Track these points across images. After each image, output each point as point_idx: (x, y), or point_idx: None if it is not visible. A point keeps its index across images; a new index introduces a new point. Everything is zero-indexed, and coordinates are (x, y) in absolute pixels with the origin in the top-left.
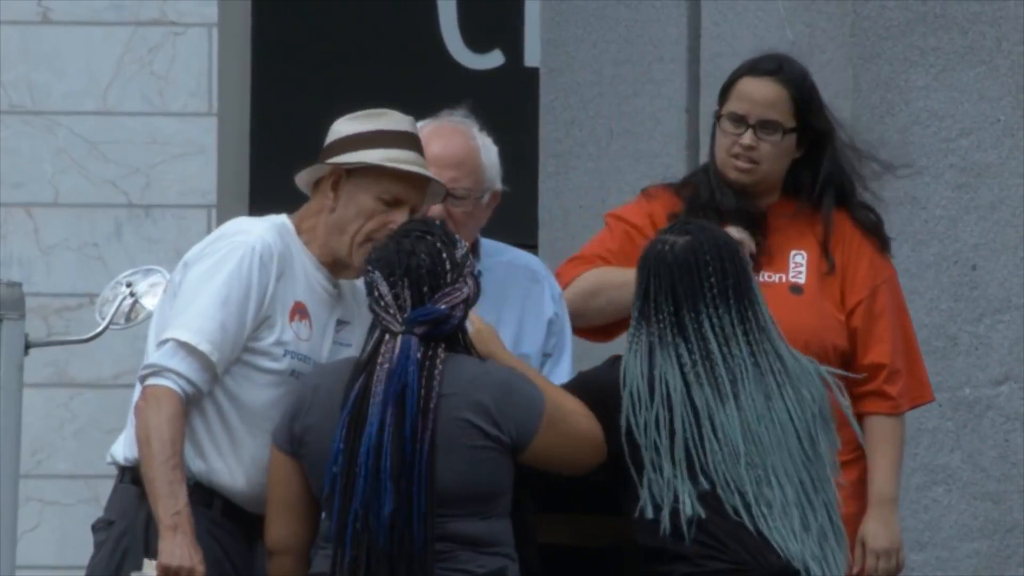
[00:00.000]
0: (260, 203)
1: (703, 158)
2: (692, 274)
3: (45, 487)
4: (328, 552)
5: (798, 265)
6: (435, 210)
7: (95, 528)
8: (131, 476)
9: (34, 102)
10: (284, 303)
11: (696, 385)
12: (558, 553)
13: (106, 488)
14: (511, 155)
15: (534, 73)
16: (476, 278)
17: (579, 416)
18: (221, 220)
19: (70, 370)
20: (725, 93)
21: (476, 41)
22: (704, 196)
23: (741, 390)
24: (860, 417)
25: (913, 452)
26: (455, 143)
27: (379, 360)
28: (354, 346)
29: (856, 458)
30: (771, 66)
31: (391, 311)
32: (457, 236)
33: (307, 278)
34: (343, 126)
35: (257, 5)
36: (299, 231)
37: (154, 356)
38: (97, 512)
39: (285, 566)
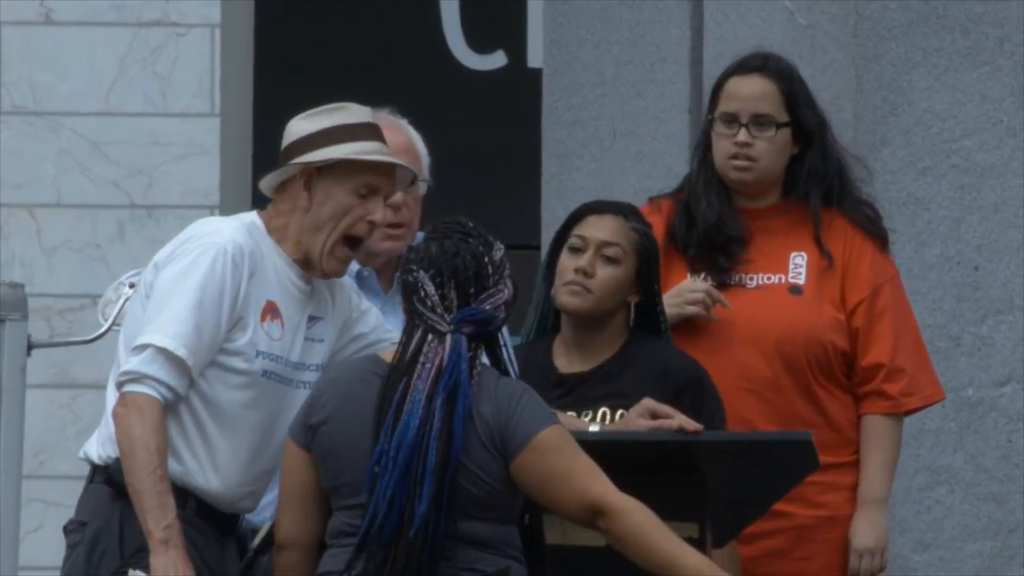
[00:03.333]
0: (262, 204)
1: None
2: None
3: (47, 488)
4: (337, 551)
5: (798, 266)
6: (397, 197)
7: (67, 530)
8: (104, 476)
9: (36, 103)
10: (256, 303)
11: None
12: (558, 553)
13: None
14: (513, 156)
15: (537, 74)
16: (513, 280)
17: (587, 466)
18: None
19: (73, 371)
20: (714, 97)
21: (479, 42)
22: (693, 206)
23: None
24: (861, 418)
25: (916, 453)
26: (398, 133)
27: (421, 360)
28: (327, 341)
29: (855, 461)
30: (757, 62)
31: (438, 311)
32: (492, 238)
33: (278, 276)
34: (301, 125)
35: (259, 6)
36: (269, 229)
37: (132, 362)
38: None
39: (294, 560)
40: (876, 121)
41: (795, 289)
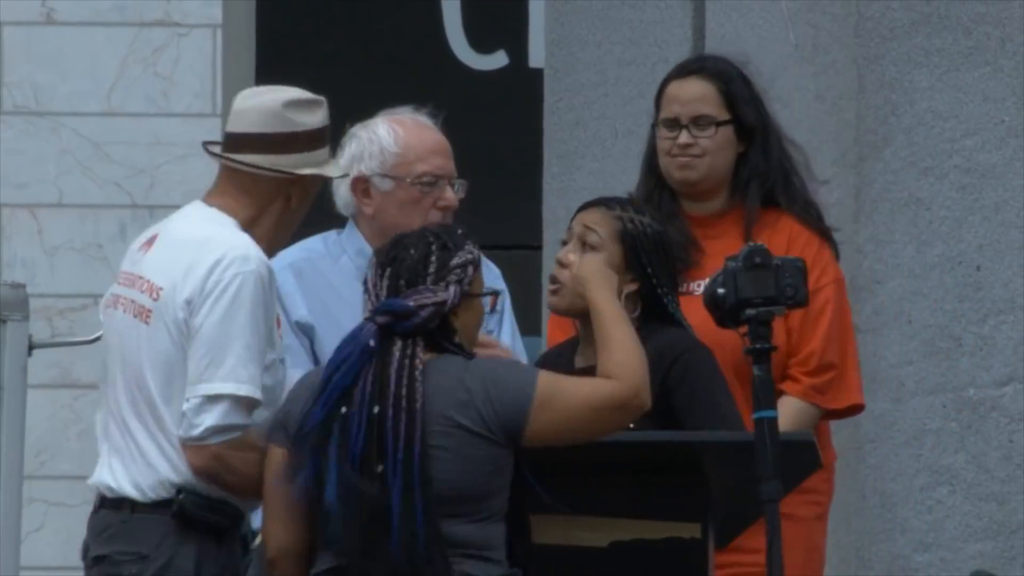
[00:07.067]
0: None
1: None
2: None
3: (49, 488)
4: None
5: None
6: (452, 201)
7: (118, 560)
8: (172, 508)
9: (38, 103)
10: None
11: None
12: (558, 553)
13: None
14: (515, 155)
15: (538, 74)
16: (463, 291)
17: (580, 386)
18: None
19: (74, 371)
20: (656, 104)
21: (480, 42)
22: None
23: None
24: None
25: (917, 453)
26: (438, 133)
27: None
28: None
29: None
30: (694, 65)
31: (370, 298)
32: (469, 244)
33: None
34: (303, 118)
35: (261, 6)
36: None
37: (214, 415)
38: None
39: (288, 572)
40: (878, 121)
41: None
